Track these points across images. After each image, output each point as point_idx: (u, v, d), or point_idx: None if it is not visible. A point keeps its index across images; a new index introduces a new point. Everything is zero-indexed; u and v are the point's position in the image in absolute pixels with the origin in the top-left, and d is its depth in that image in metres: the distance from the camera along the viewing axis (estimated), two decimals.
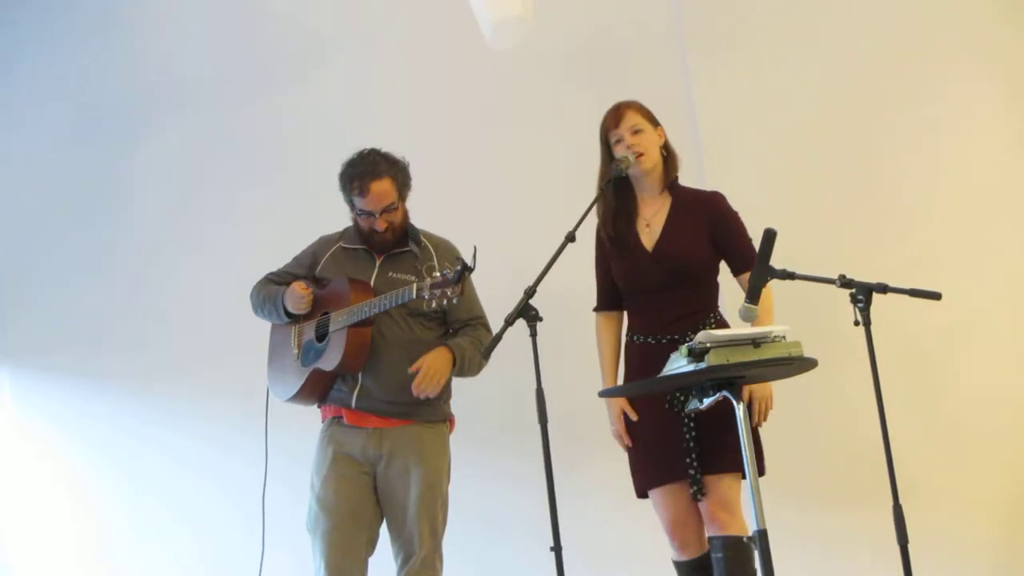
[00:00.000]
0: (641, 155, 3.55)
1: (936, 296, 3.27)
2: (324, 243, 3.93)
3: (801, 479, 4.48)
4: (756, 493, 3.10)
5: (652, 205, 3.62)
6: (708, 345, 3.08)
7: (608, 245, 3.64)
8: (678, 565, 3.54)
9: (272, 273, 3.94)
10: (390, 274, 3.76)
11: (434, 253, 3.81)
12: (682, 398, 3.45)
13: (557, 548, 3.17)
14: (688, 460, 3.44)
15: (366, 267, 3.79)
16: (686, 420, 3.45)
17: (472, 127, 4.99)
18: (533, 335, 3.20)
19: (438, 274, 3.45)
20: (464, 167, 4.97)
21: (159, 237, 5.24)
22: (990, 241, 4.61)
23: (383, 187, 3.69)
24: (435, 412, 3.77)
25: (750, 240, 3.57)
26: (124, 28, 5.44)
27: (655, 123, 3.62)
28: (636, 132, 3.57)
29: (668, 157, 3.63)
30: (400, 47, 5.14)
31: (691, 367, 3.11)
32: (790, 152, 4.76)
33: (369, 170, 3.69)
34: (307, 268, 3.90)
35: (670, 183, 3.63)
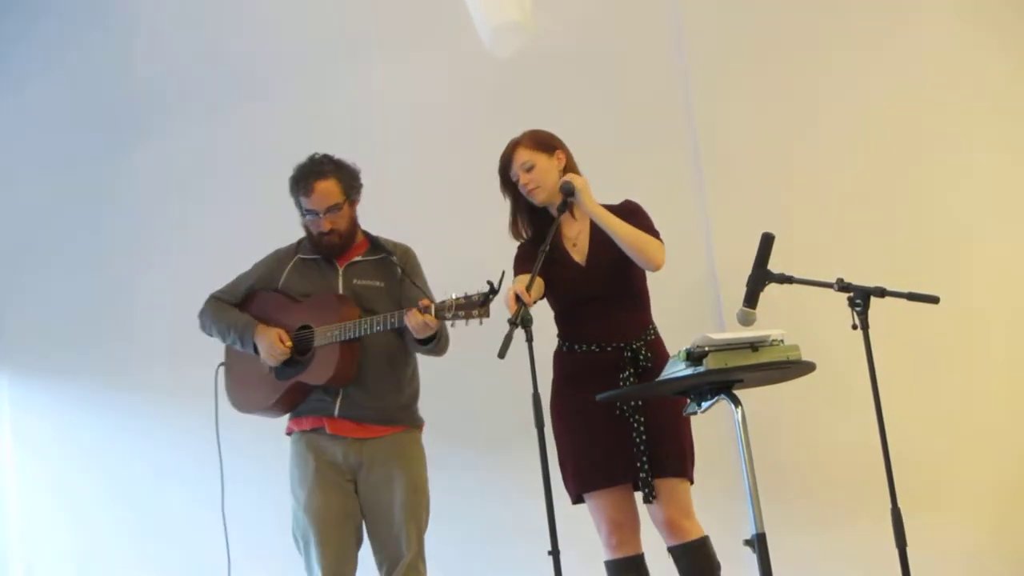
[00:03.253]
0: (534, 190, 3.61)
1: (934, 300, 3.28)
2: (282, 256, 3.91)
3: (799, 482, 4.48)
4: (754, 496, 3.10)
5: (573, 225, 3.66)
6: (706, 349, 3.08)
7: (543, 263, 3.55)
8: (611, 564, 3.53)
9: (222, 292, 3.90)
10: (355, 281, 3.78)
11: (396, 259, 3.83)
12: (633, 402, 3.49)
13: (555, 552, 3.18)
14: (640, 464, 3.47)
15: (329, 277, 3.80)
16: (635, 423, 3.48)
17: (470, 131, 4.99)
18: (529, 339, 3.21)
19: (458, 296, 3.45)
20: (462, 171, 4.97)
21: (156, 238, 5.24)
22: (988, 245, 4.61)
23: (327, 187, 3.73)
24: (412, 417, 3.81)
25: (653, 229, 3.58)
26: (118, 29, 5.44)
27: (551, 149, 3.65)
28: (528, 169, 3.62)
29: None
30: (399, 51, 5.14)
31: (689, 371, 3.12)
32: (788, 156, 4.76)
33: (314, 170, 3.75)
34: (265, 281, 3.88)
35: None
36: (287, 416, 3.83)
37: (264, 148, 5.12)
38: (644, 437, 3.48)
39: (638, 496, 3.52)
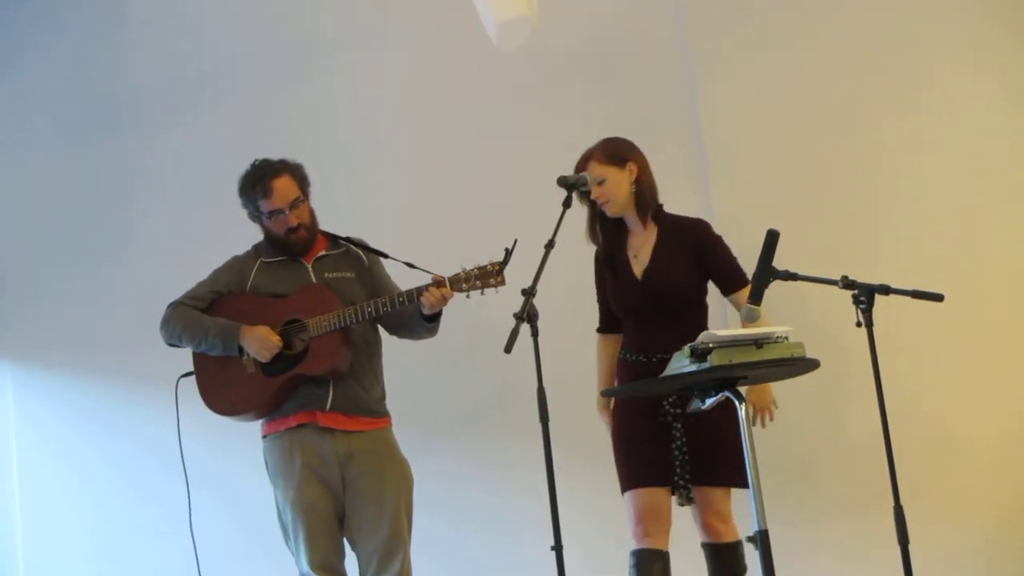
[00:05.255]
0: (605, 204, 3.67)
1: (938, 298, 3.28)
2: (244, 260, 3.89)
3: (802, 479, 4.48)
4: (758, 493, 3.11)
5: (639, 235, 3.73)
6: (711, 345, 3.09)
7: (604, 269, 3.78)
8: (635, 553, 3.57)
9: (188, 298, 3.86)
10: (326, 275, 3.80)
11: (357, 247, 3.87)
12: (673, 411, 3.56)
13: (558, 547, 3.19)
14: (677, 471, 3.55)
15: (300, 274, 3.80)
16: (675, 432, 3.56)
17: (476, 126, 4.99)
18: (534, 335, 3.22)
19: (471, 267, 3.52)
20: (468, 166, 4.97)
21: (164, 232, 5.24)
22: (992, 242, 4.61)
23: (285, 183, 3.75)
24: (386, 411, 3.83)
25: (735, 259, 3.70)
26: (135, 23, 5.43)
27: (622, 162, 3.69)
28: (599, 183, 3.67)
29: (641, 192, 3.68)
30: (402, 46, 5.13)
31: (693, 367, 3.12)
32: (793, 153, 4.75)
33: (267, 171, 3.76)
34: (233, 285, 3.85)
35: (654, 213, 3.71)
36: (258, 421, 3.82)
37: (259, 141, 5.10)
38: (683, 443, 3.55)
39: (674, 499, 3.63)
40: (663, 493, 3.58)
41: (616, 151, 3.70)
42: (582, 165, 3.70)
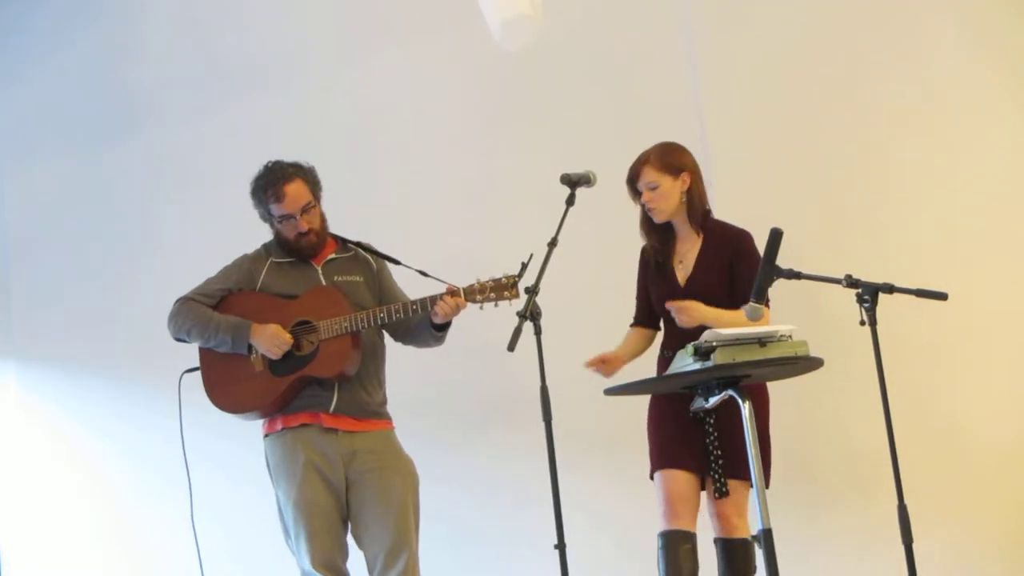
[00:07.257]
0: (652, 210, 3.67)
1: (942, 296, 3.27)
2: (254, 259, 3.89)
3: (806, 478, 4.48)
4: (761, 492, 3.12)
5: (686, 242, 3.73)
6: (714, 344, 3.09)
7: (651, 271, 3.76)
8: (663, 535, 3.55)
9: (198, 294, 3.85)
10: (336, 278, 3.80)
11: (366, 252, 3.87)
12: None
13: (561, 546, 3.19)
14: (712, 463, 3.54)
15: (310, 276, 3.80)
16: (707, 426, 3.54)
17: (479, 125, 5.00)
18: (537, 333, 3.23)
19: (486, 279, 3.53)
20: (470, 165, 4.97)
21: (170, 231, 5.26)
22: (997, 241, 4.59)
23: (296, 188, 3.74)
24: (388, 414, 3.83)
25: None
26: (151, 24, 5.45)
27: (676, 172, 3.67)
28: (651, 189, 3.67)
29: (692, 201, 3.69)
30: (405, 45, 5.13)
31: (697, 365, 3.12)
32: (797, 152, 4.75)
33: (279, 175, 3.75)
34: (243, 283, 3.85)
35: (702, 221, 3.71)
36: (261, 419, 3.82)
37: (266, 143, 5.09)
38: (715, 436, 3.53)
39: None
40: (691, 477, 3.57)
41: (672, 160, 3.69)
42: (637, 169, 3.69)
